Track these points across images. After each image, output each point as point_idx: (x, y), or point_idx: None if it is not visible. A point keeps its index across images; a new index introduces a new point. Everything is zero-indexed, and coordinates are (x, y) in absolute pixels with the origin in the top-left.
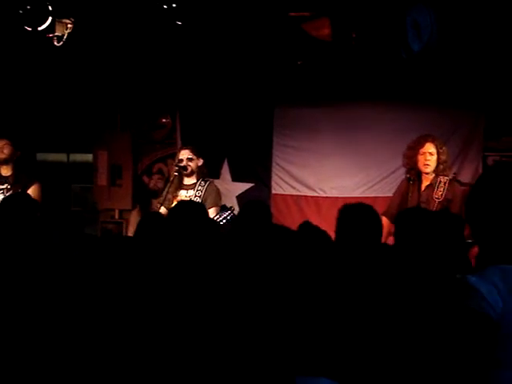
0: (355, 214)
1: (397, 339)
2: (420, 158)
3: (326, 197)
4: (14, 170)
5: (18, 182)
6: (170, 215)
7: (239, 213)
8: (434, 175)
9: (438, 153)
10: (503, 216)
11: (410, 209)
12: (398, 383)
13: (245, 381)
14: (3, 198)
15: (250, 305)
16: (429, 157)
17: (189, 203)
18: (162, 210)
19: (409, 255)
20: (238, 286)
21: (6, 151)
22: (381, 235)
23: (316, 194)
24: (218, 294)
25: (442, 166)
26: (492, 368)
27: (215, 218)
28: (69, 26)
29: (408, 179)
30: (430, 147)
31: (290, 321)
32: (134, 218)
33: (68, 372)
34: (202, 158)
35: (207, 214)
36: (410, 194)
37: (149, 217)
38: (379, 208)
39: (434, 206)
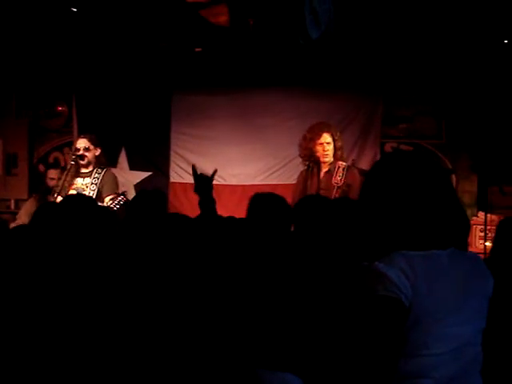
0: (267, 203)
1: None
2: (318, 148)
3: (226, 185)
4: None
5: None
6: (59, 210)
7: (133, 201)
8: (332, 161)
9: (334, 140)
10: (400, 202)
11: (307, 197)
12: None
13: (207, 374)
14: None
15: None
16: (327, 147)
17: (75, 197)
18: (59, 199)
19: (308, 244)
20: (137, 274)
21: None
22: (290, 225)
23: (215, 182)
24: (114, 282)
25: (339, 152)
26: (401, 357)
27: (109, 204)
28: None
29: (307, 167)
30: (326, 137)
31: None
32: (27, 207)
33: None
34: (100, 148)
35: (94, 204)
36: (309, 182)
37: (44, 207)
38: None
39: (334, 192)
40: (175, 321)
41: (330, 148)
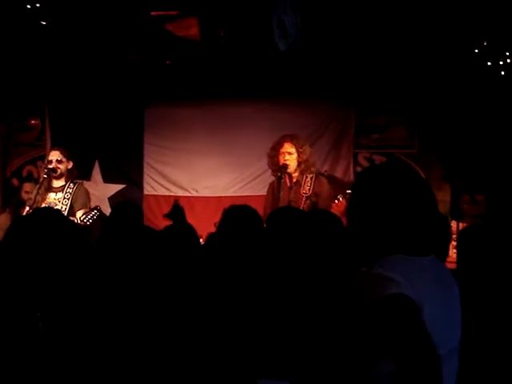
0: (239, 215)
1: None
2: (280, 157)
3: (199, 196)
4: None
5: None
6: (28, 223)
7: (110, 215)
8: (298, 173)
9: (298, 152)
10: (387, 212)
11: (279, 209)
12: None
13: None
14: None
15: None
16: (287, 156)
17: (44, 210)
18: None
19: (281, 255)
20: (111, 288)
21: None
22: (261, 237)
23: (189, 194)
24: (87, 295)
25: (303, 165)
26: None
27: (82, 218)
28: None
29: (279, 178)
30: (288, 147)
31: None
32: (1, 222)
33: None
34: (73, 161)
35: (64, 219)
36: (281, 193)
37: (17, 221)
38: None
39: (302, 202)
40: (159, 330)
41: (292, 158)
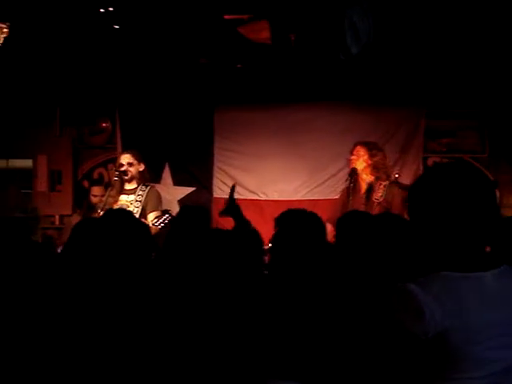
0: (297, 220)
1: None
2: (352, 161)
3: (268, 200)
4: None
5: None
6: (99, 225)
7: (176, 218)
8: (372, 179)
9: (368, 154)
10: (445, 219)
11: (349, 212)
12: None
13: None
14: None
15: (192, 310)
16: (354, 156)
17: (117, 211)
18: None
19: (349, 259)
20: (177, 291)
21: None
22: (323, 240)
23: (258, 198)
24: (153, 299)
25: (373, 169)
26: (437, 380)
27: (154, 222)
28: (4, 30)
29: (350, 182)
30: (358, 149)
31: (245, 324)
32: (71, 223)
33: None
34: (144, 163)
35: (136, 221)
36: (350, 198)
37: (83, 223)
38: (321, 211)
39: (374, 208)
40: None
41: (360, 160)
